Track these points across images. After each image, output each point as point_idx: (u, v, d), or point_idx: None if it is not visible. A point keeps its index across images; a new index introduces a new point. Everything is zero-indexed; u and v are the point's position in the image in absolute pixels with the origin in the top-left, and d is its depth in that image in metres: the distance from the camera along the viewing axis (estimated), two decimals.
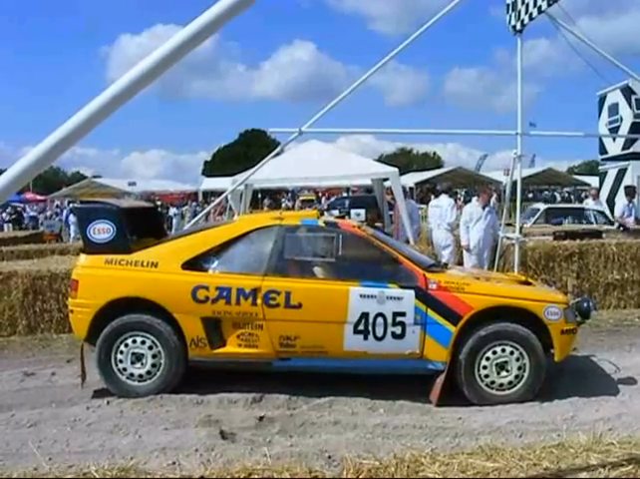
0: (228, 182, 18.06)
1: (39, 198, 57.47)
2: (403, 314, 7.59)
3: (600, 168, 29.53)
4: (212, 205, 15.34)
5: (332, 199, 41.37)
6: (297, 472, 3.91)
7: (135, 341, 7.76)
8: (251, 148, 77.40)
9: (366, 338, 7.63)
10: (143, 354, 7.75)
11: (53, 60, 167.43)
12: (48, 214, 40.73)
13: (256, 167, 11.80)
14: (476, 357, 7.55)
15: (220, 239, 8.09)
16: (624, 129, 25.86)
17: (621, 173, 26.29)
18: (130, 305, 7.83)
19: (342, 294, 7.64)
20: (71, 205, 34.92)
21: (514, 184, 13.19)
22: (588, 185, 48.16)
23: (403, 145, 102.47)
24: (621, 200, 18.43)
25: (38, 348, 10.73)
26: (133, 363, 7.76)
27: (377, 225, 14.41)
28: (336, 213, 30.56)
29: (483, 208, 13.17)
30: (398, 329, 7.60)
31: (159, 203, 33.00)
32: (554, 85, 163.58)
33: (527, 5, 12.49)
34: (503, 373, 7.57)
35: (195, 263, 7.92)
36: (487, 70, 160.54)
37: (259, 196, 40.14)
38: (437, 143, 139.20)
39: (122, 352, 7.76)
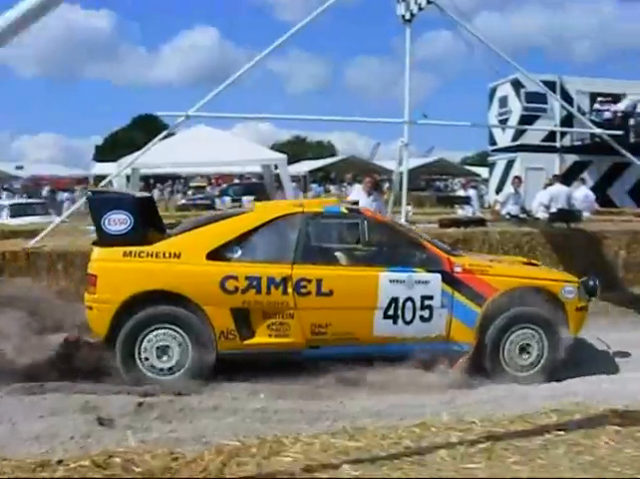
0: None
1: None
2: (430, 298, 7.85)
3: (490, 159, 30.33)
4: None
5: (224, 185, 41.29)
6: (158, 454, 3.88)
7: (161, 334, 7.58)
8: (145, 133, 76.20)
9: (395, 323, 7.83)
10: (169, 347, 7.57)
11: None
12: None
13: (141, 150, 11.61)
14: (501, 338, 7.86)
15: (242, 228, 7.97)
16: (513, 121, 26.60)
17: (510, 164, 27.02)
18: (152, 299, 7.62)
19: (372, 280, 7.79)
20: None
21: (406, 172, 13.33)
22: (479, 175, 49.41)
23: (298, 133, 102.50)
24: (508, 189, 18.88)
25: None
26: (158, 357, 7.57)
27: None
28: (228, 199, 30.63)
29: (369, 195, 13.23)
30: (426, 313, 7.86)
31: (47, 188, 32.29)
32: (453, 76, 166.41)
33: None
34: (525, 355, 7.94)
35: (220, 253, 7.80)
36: (389, 59, 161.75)
37: (151, 181, 39.60)
38: (334, 131, 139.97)
39: (146, 347, 7.56)
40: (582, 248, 12.81)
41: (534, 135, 26.04)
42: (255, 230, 7.95)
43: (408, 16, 12.92)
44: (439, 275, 7.88)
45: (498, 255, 11.04)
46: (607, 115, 26.69)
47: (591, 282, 8.66)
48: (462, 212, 18.28)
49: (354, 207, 8.88)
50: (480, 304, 7.86)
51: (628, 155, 14.25)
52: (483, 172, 41.67)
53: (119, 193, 8.40)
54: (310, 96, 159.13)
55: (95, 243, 8.04)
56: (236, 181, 42.49)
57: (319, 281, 7.68)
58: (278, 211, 8.26)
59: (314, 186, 48.97)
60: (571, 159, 26.95)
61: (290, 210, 8.20)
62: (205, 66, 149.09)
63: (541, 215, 16.28)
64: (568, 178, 21.36)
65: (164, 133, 11.68)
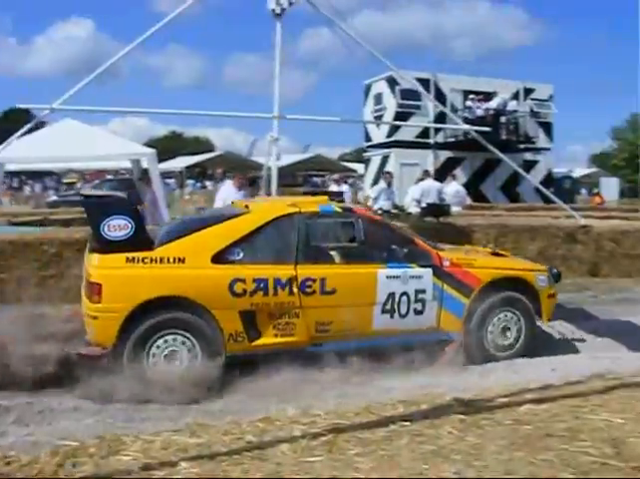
0: None
1: None
2: (423, 292, 8.27)
3: (365, 155, 30.78)
4: None
5: (96, 181, 40.48)
6: None
7: (170, 340, 7.34)
8: (17, 127, 73.88)
9: (392, 317, 8.15)
10: (178, 353, 7.34)
11: None
12: None
13: (2, 145, 11.26)
14: (485, 321, 8.47)
15: (243, 230, 7.84)
16: (388, 117, 27.10)
17: (384, 160, 27.50)
18: (160, 305, 7.34)
19: (371, 277, 8.06)
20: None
21: (277, 167, 13.36)
22: (355, 171, 50.17)
23: (175, 128, 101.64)
24: (380, 184, 19.20)
25: None
26: (168, 363, 7.30)
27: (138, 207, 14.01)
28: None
29: (239, 190, 13.20)
30: (419, 306, 8.27)
31: None
32: (333, 73, 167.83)
33: None
34: (507, 334, 8.61)
35: (223, 256, 7.64)
36: (268, 55, 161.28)
37: (23, 178, 38.45)
38: (211, 127, 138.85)
39: (155, 354, 7.30)
40: (452, 242, 13.08)
41: (409, 131, 26.65)
42: (255, 231, 7.89)
43: (278, 10, 12.97)
44: (430, 270, 8.30)
45: (476, 247, 11.45)
46: (479, 112, 27.55)
47: (555, 271, 9.44)
48: None
49: (346, 205, 9.13)
50: (468, 295, 8.41)
51: (496, 151, 14.70)
52: (360, 168, 42.30)
53: (112, 196, 8.04)
54: (188, 91, 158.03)
55: (95, 251, 7.63)
56: (109, 177, 41.65)
57: (323, 280, 7.81)
58: (276, 211, 8.21)
59: (190, 182, 48.78)
60: (445, 155, 27.71)
61: (288, 210, 8.18)
62: (79, 58, 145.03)
63: (413, 209, 16.70)
64: (442, 173, 21.88)
65: (26, 127, 11.37)
